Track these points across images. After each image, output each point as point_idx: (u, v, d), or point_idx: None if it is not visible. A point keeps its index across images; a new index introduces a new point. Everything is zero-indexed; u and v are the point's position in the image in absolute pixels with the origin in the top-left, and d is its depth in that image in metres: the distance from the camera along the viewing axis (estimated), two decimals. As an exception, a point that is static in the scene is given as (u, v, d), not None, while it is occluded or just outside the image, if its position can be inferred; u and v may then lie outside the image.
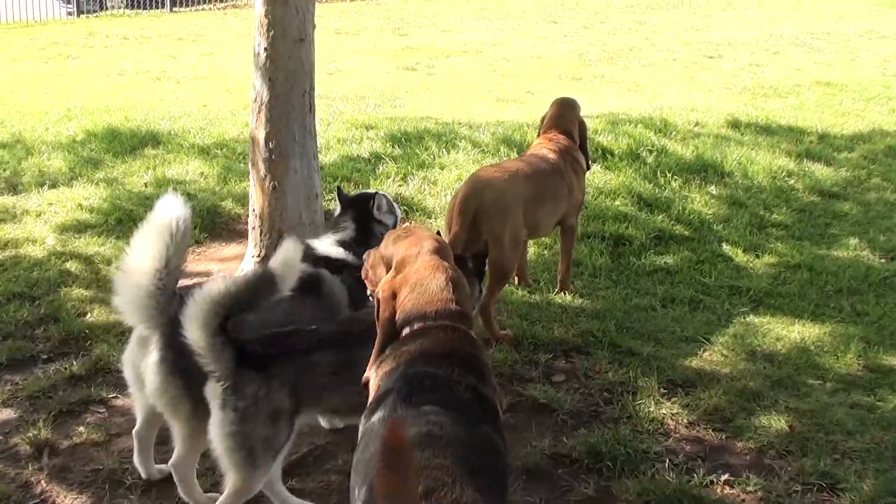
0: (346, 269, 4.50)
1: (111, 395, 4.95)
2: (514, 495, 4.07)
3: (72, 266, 6.49)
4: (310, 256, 4.46)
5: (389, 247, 3.47)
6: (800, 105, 12.48)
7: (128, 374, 4.03)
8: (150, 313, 3.73)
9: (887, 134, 11.05)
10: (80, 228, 7.13)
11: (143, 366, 3.86)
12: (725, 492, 4.22)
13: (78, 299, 6.02)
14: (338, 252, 4.60)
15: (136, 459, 4.23)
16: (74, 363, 5.21)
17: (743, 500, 4.18)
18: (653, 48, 18.62)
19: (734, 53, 17.91)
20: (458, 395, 2.86)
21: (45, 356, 5.36)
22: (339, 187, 4.74)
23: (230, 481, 3.66)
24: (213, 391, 3.58)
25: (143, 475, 4.22)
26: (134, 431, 4.20)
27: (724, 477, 4.32)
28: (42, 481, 4.23)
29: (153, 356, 3.79)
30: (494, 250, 5.49)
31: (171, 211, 3.76)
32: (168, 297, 3.73)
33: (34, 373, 5.16)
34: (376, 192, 4.99)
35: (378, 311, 3.26)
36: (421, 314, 3.13)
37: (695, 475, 4.29)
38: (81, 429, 4.63)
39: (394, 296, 3.24)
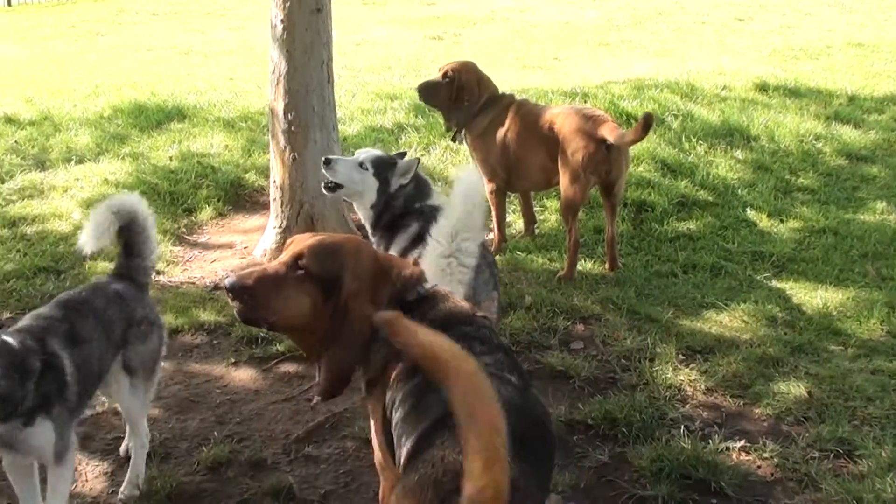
0: None
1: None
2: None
3: (97, 240, 6.55)
4: None
5: (320, 265, 2.82)
6: (830, 67, 12.29)
7: None
8: None
9: (919, 95, 10.87)
10: (105, 203, 7.17)
11: None
12: (741, 458, 4.19)
13: (102, 272, 6.06)
14: None
15: None
16: (98, 335, 5.28)
17: (759, 467, 4.14)
18: (682, 11, 18.37)
19: (765, 15, 17.63)
20: (502, 357, 2.64)
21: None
22: None
23: None
24: None
25: None
26: None
27: (741, 443, 4.29)
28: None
29: None
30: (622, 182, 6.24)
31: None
32: None
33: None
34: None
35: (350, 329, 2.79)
36: (413, 284, 2.87)
37: (710, 441, 4.27)
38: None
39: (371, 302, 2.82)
